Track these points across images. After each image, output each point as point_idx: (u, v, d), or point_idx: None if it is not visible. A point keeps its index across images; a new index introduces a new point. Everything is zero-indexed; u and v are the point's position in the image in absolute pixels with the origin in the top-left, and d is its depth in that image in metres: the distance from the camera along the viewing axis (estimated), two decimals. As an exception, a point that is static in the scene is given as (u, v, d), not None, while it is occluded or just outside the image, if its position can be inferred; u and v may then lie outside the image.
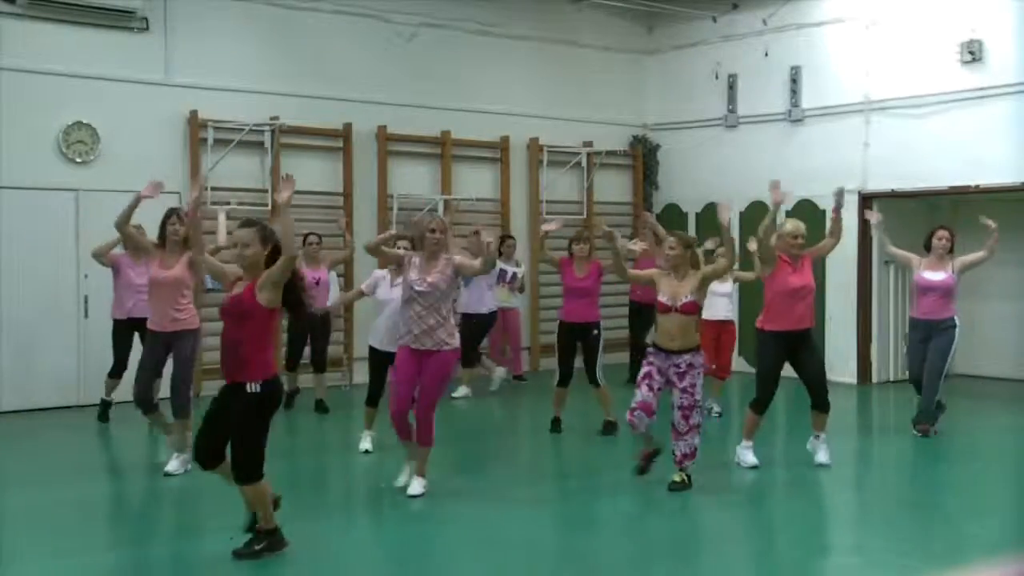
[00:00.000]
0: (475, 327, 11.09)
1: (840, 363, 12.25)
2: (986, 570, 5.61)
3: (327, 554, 5.90)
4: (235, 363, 5.37)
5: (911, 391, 9.09)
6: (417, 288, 6.69)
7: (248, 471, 5.46)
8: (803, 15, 12.75)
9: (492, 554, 5.95)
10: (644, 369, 7.12)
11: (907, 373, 9.15)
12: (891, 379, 12.49)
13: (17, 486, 7.57)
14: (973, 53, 11.16)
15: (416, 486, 6.90)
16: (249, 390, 5.36)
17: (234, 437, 5.46)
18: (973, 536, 6.39)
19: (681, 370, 7.02)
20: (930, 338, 8.79)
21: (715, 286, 9.80)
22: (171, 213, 7.54)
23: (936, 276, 8.83)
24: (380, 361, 7.95)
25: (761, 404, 7.70)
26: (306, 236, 10.32)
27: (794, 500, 7.28)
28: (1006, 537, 6.39)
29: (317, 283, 10.10)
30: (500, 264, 11.57)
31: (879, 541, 6.22)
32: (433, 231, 6.77)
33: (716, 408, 9.99)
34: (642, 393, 7.05)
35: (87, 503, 7.02)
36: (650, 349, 7.20)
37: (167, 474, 7.43)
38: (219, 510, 6.41)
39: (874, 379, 12.40)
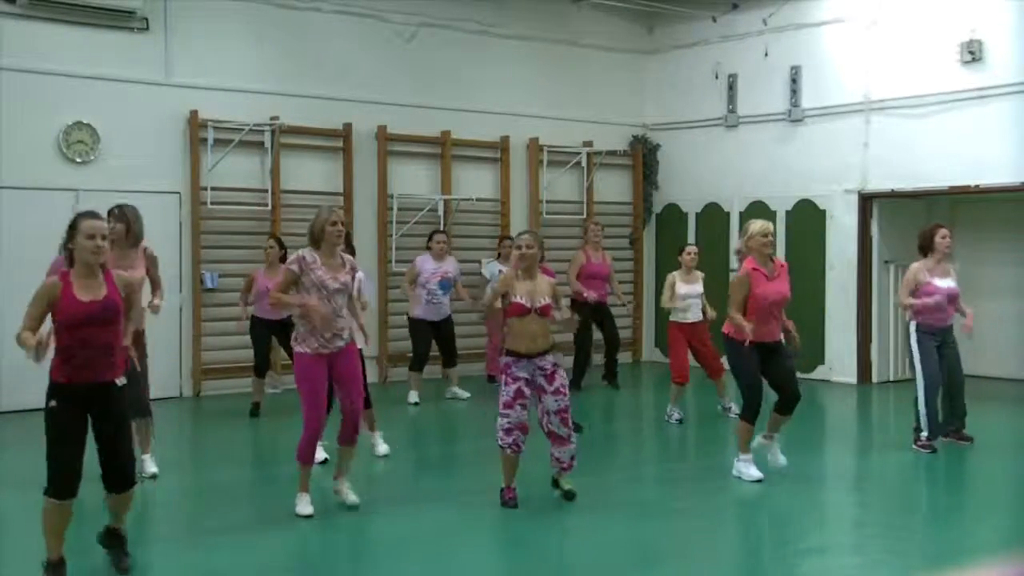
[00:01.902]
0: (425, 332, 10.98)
1: (840, 363, 12.26)
2: (986, 570, 5.60)
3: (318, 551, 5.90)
4: (107, 363, 5.19)
5: (911, 391, 9.00)
6: (333, 286, 6.45)
7: (132, 470, 5.40)
8: (803, 15, 12.75)
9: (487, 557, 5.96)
10: (512, 386, 6.60)
11: (944, 379, 8.48)
12: (891, 379, 12.48)
13: (16, 487, 7.57)
14: (973, 53, 11.16)
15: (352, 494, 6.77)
16: (120, 384, 5.27)
17: (119, 437, 5.27)
18: (973, 536, 6.40)
19: (547, 372, 6.67)
20: (944, 344, 8.51)
21: (686, 288, 9.74)
22: (110, 212, 7.06)
23: (947, 283, 8.45)
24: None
25: (753, 412, 7.39)
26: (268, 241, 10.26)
27: (793, 500, 7.26)
28: (1006, 537, 6.39)
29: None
30: (501, 267, 11.56)
31: (879, 541, 6.22)
32: (335, 224, 6.50)
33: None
34: (517, 413, 6.59)
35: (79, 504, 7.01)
36: (507, 360, 6.67)
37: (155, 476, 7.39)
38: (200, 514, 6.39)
39: (874, 379, 12.40)
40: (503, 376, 6.71)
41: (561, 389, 6.72)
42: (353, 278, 6.64)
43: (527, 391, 6.66)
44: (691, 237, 13.99)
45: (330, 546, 6.18)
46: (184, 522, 6.47)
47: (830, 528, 6.89)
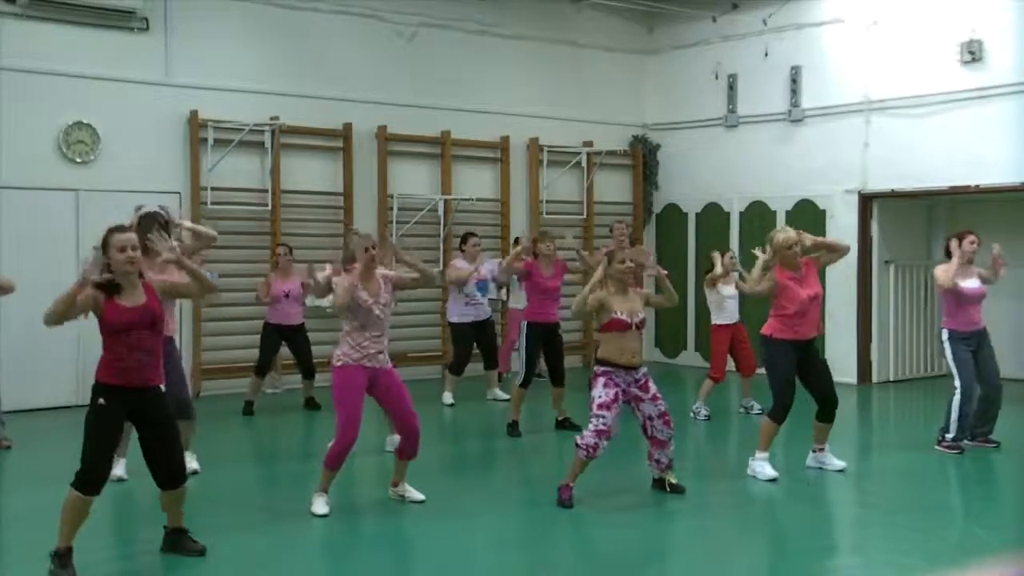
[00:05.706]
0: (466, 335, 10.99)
1: (840, 363, 12.21)
2: (986, 570, 5.61)
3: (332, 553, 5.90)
4: (153, 368, 5.42)
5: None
6: (377, 312, 6.50)
7: (183, 466, 5.58)
8: (803, 15, 12.75)
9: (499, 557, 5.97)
10: (610, 391, 6.73)
11: (979, 387, 8.46)
12: (891, 379, 12.49)
13: (17, 487, 7.58)
14: (973, 53, 11.16)
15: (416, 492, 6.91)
16: (163, 389, 5.55)
17: (169, 436, 5.49)
18: (973, 536, 6.40)
19: (642, 382, 6.85)
20: (980, 347, 8.48)
21: (726, 290, 9.87)
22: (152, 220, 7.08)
23: (975, 284, 8.43)
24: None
25: (781, 413, 7.44)
26: (276, 247, 10.36)
27: (794, 501, 7.26)
28: (1007, 537, 6.39)
29: (287, 296, 10.06)
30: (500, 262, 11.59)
31: (879, 541, 6.22)
32: (367, 250, 6.53)
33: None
34: (612, 415, 6.73)
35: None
36: (607, 369, 6.79)
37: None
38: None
39: (874, 379, 12.40)
40: (599, 379, 6.79)
41: (657, 395, 6.90)
42: (393, 296, 6.66)
43: (622, 398, 6.81)
44: (691, 237, 14.02)
45: (346, 544, 6.19)
46: (198, 519, 6.45)
47: (831, 528, 6.88)
